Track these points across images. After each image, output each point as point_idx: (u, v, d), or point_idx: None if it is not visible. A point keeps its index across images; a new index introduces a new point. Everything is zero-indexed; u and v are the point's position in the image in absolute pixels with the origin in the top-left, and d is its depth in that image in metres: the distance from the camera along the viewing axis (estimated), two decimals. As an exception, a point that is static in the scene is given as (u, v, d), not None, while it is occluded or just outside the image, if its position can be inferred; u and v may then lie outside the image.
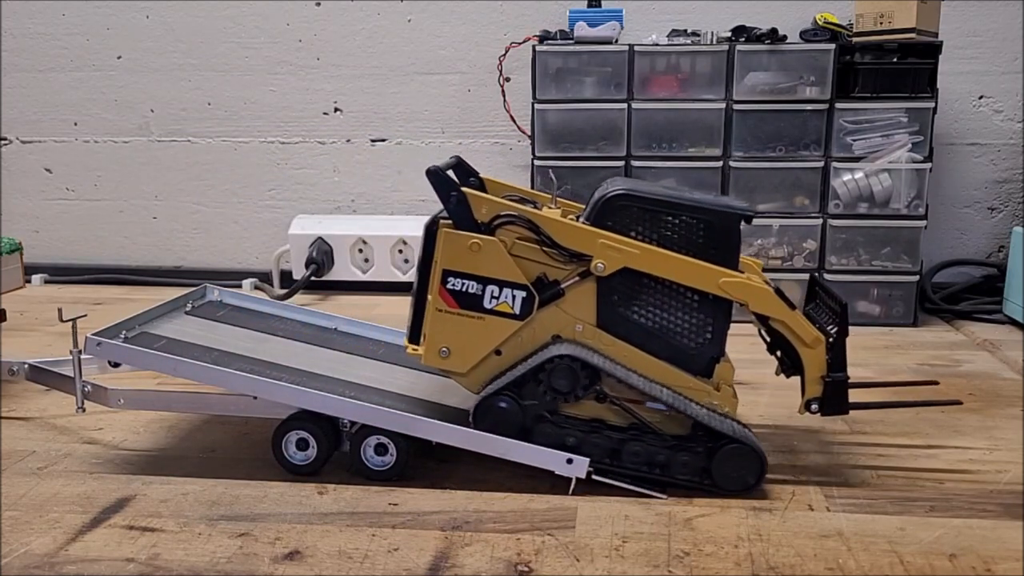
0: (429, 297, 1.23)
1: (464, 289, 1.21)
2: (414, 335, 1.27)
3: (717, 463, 1.20)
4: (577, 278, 1.21)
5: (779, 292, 1.22)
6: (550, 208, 1.32)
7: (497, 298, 1.21)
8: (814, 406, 1.24)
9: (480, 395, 1.23)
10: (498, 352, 1.23)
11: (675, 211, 1.21)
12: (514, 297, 1.21)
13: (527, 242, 1.21)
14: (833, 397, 1.23)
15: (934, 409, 1.52)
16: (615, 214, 1.21)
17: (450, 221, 1.22)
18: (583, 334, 1.23)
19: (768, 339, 1.29)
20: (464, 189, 1.21)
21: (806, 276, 2.13)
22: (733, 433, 1.20)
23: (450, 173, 1.27)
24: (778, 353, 1.30)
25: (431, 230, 1.23)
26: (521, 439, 1.21)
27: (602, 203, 1.21)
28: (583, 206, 1.31)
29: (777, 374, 1.31)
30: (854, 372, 1.28)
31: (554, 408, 1.22)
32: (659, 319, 1.22)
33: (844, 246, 2.14)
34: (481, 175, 1.41)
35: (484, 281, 1.21)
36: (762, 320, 1.24)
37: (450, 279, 1.21)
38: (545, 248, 1.21)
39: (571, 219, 1.24)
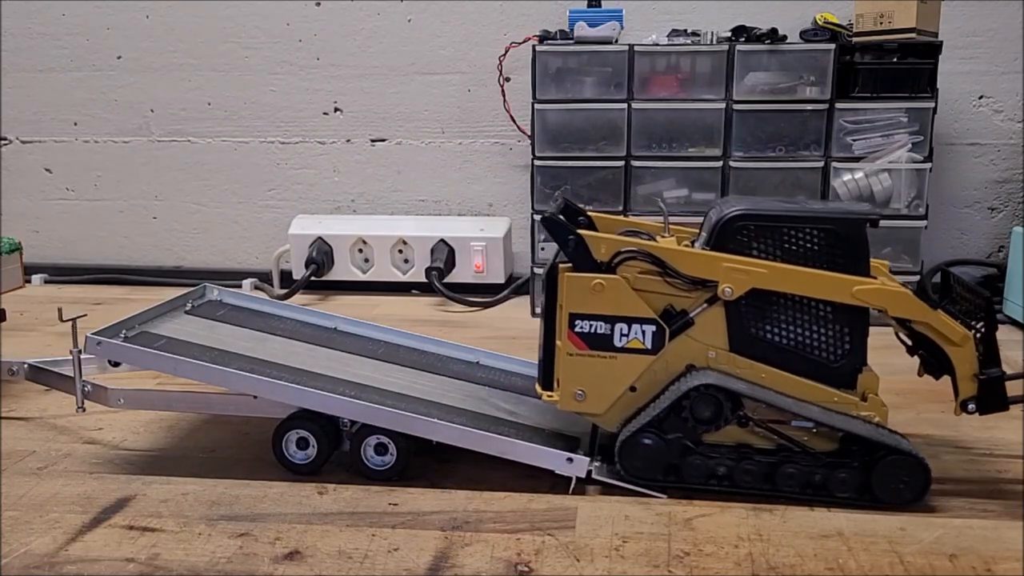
0: (558, 342, 1.22)
1: (593, 330, 1.20)
2: (547, 381, 1.25)
3: (878, 477, 1.16)
4: (705, 305, 1.20)
5: (916, 292, 1.18)
6: (663, 236, 1.31)
7: (627, 335, 1.20)
8: (971, 406, 1.20)
9: (622, 434, 1.21)
10: (633, 388, 1.22)
11: (798, 224, 1.18)
12: (644, 332, 1.20)
13: (649, 275, 1.19)
14: (990, 395, 1.20)
15: (934, 409, 1.52)
16: (735, 235, 1.19)
17: (569, 264, 1.20)
18: (717, 360, 1.20)
19: (908, 342, 1.26)
20: (580, 231, 1.20)
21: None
22: (891, 444, 1.16)
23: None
24: (920, 353, 1.26)
25: (551, 275, 1.22)
26: (670, 474, 1.19)
27: (720, 226, 1.19)
28: (695, 230, 1.30)
29: (920, 375, 1.28)
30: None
31: (698, 438, 1.20)
32: (794, 336, 1.20)
33: (844, 246, 2.13)
34: (588, 212, 1.38)
35: (612, 320, 1.20)
36: (901, 323, 1.20)
37: (577, 322, 1.20)
38: (668, 279, 1.19)
39: (685, 245, 1.23)
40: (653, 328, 1.20)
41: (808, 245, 1.19)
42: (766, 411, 1.19)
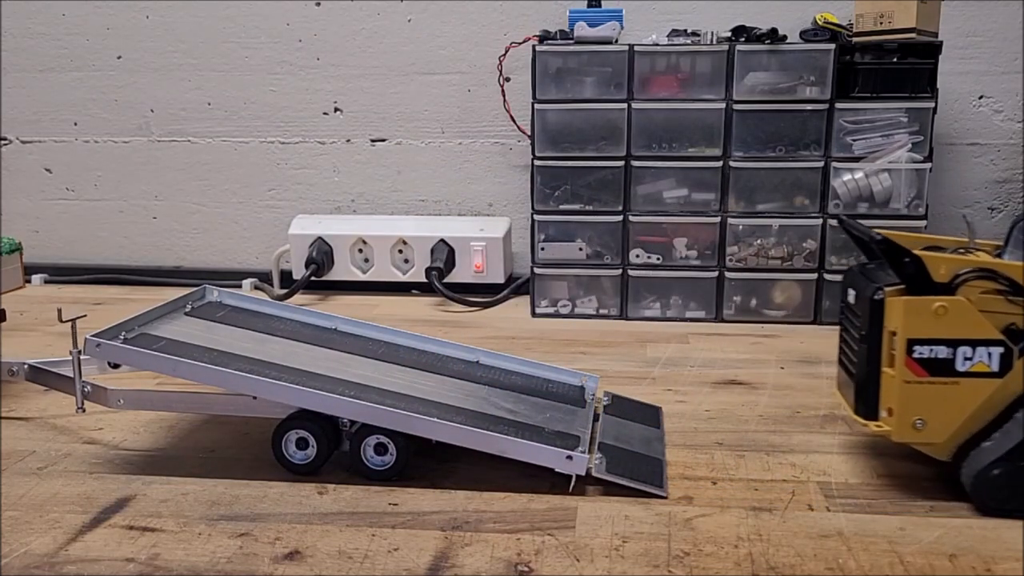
0: (887, 370, 1.18)
1: (933, 356, 1.16)
2: (871, 411, 1.21)
3: None
4: None
5: None
6: (970, 252, 1.27)
7: (970, 359, 1.15)
8: None
9: (970, 467, 1.17)
10: None
11: None
12: (990, 355, 1.15)
13: (991, 294, 1.15)
14: None
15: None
16: None
17: (899, 287, 1.17)
18: None
19: None
20: (918, 252, 1.15)
21: (806, 276, 2.15)
22: None
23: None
24: None
25: (876, 300, 1.18)
26: None
27: None
28: (999, 243, 1.26)
29: None
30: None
31: None
32: None
33: (844, 246, 2.14)
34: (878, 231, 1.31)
35: (954, 344, 1.15)
36: None
37: (916, 348, 1.16)
38: (1012, 298, 1.15)
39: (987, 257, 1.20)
40: (1001, 350, 1.15)
41: None
42: None
